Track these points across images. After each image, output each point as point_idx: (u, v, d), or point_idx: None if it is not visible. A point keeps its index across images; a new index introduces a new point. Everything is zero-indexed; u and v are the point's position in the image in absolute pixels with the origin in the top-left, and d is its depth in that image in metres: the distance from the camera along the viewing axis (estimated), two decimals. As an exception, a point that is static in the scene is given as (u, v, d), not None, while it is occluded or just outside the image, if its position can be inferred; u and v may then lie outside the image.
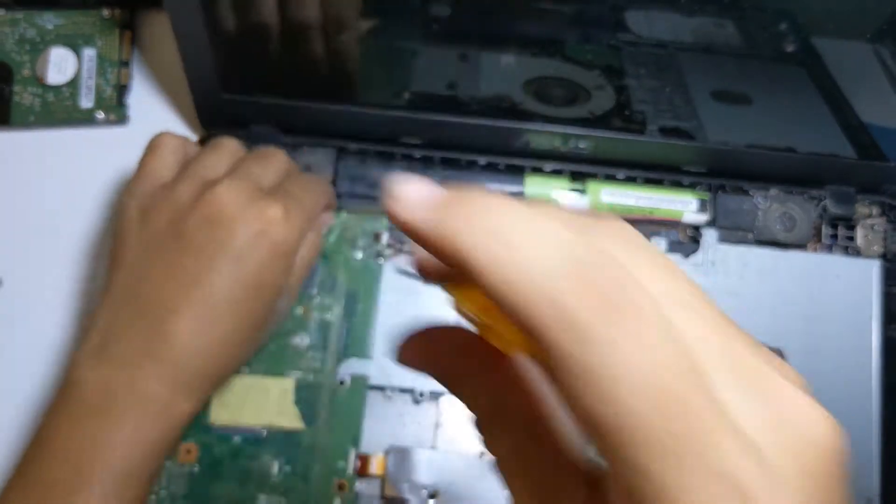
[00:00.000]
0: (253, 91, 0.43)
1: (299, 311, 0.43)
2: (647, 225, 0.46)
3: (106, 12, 0.49)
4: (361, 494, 0.42)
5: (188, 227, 0.35)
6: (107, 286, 0.36)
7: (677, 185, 0.46)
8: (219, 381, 0.38)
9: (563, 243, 0.15)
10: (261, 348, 0.41)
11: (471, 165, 0.46)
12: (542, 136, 0.44)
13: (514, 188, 0.45)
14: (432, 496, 0.41)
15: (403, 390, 0.43)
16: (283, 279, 0.38)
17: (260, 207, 0.36)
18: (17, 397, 0.44)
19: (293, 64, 0.43)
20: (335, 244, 0.44)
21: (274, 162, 0.39)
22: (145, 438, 0.34)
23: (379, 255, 0.44)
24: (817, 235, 0.46)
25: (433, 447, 0.43)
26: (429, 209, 0.16)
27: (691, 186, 0.46)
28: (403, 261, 0.44)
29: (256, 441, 0.41)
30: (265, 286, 0.37)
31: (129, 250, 0.36)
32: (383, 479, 0.41)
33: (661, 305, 0.15)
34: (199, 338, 0.35)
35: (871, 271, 0.45)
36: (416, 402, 0.43)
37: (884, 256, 0.45)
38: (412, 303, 0.44)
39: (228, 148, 0.39)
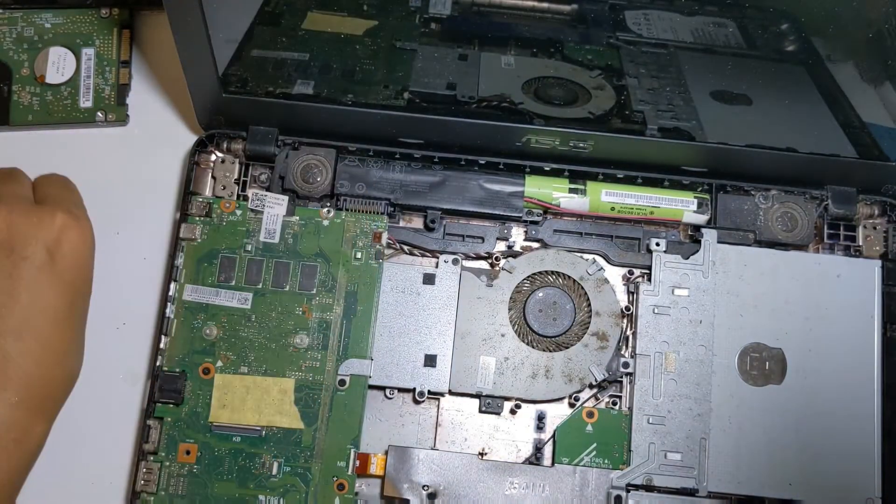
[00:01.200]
0: (253, 91, 0.43)
1: (299, 310, 0.43)
2: (647, 225, 0.46)
3: (104, 11, 0.48)
4: (361, 494, 0.42)
5: None
6: None
7: (677, 185, 0.46)
8: (65, 394, 0.39)
9: None
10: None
11: (471, 165, 0.46)
12: (542, 135, 0.44)
13: (515, 188, 0.45)
14: (432, 496, 0.41)
15: (403, 390, 0.43)
16: (92, 273, 0.41)
17: (50, 222, 0.38)
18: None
19: (293, 64, 0.43)
20: (335, 244, 0.44)
21: (18, 175, 0.41)
22: (6, 467, 0.34)
23: (379, 255, 0.44)
24: (818, 235, 0.46)
25: (433, 447, 0.43)
26: None
27: (691, 186, 0.46)
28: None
29: (256, 441, 0.41)
30: (84, 288, 0.40)
31: None
32: (383, 479, 0.41)
33: None
34: (41, 354, 0.36)
35: (872, 271, 0.44)
36: (417, 402, 0.43)
37: (885, 256, 0.45)
38: (412, 303, 0.44)
39: None
